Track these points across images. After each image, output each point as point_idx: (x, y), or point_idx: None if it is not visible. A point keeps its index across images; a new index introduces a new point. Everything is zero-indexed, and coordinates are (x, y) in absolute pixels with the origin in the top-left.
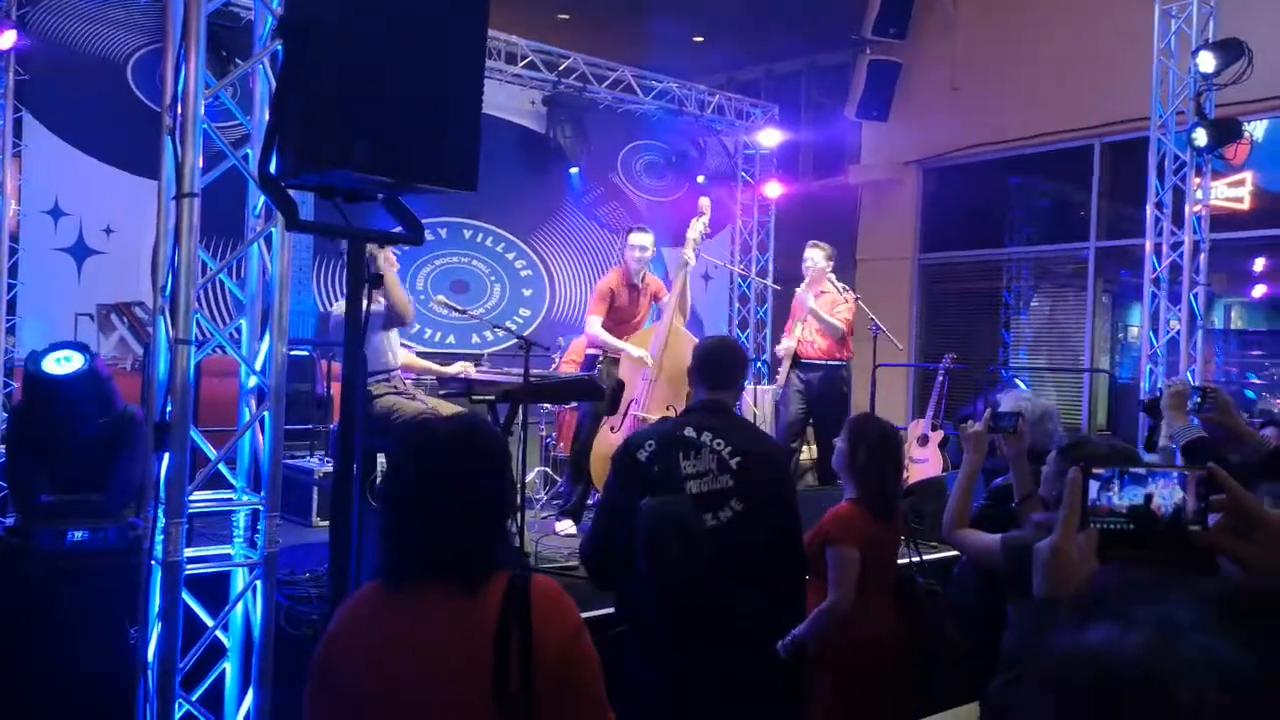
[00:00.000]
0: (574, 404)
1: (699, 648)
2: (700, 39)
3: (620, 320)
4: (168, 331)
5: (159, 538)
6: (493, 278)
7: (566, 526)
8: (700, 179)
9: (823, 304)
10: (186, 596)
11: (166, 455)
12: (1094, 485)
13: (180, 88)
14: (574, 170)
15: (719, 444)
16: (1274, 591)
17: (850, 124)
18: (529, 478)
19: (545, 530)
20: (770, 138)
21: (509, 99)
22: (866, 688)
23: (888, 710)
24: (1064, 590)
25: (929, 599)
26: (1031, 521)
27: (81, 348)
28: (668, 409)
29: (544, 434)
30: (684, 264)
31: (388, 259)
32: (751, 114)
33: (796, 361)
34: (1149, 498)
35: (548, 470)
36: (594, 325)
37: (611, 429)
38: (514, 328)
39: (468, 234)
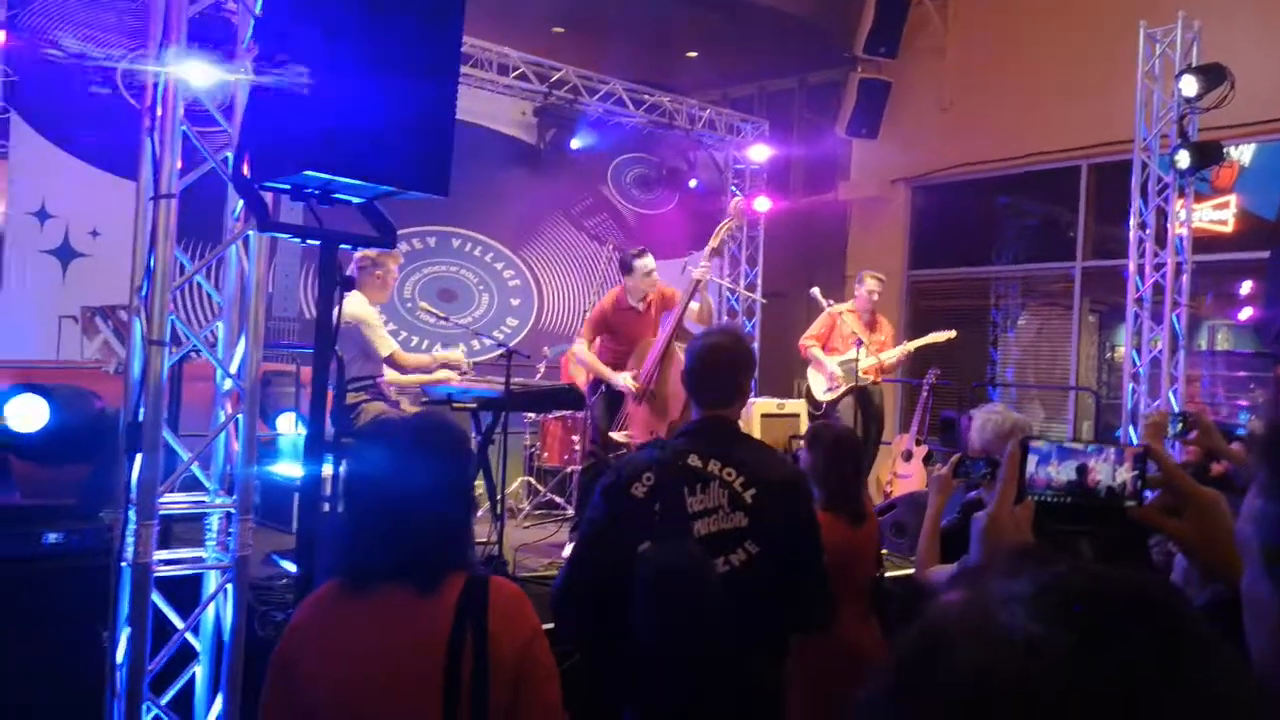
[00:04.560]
0: (560, 413)
1: (700, 710)
2: (694, 55)
3: (624, 342)
4: (142, 332)
5: (129, 539)
6: (481, 287)
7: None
8: (692, 183)
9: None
10: (157, 599)
11: (139, 456)
12: (1033, 459)
13: (160, 88)
14: (575, 144)
15: (729, 474)
16: (1109, 579)
17: (841, 141)
18: (512, 488)
19: (525, 540)
20: (760, 153)
21: (500, 110)
22: (838, 697)
23: None
24: (998, 561)
25: (902, 604)
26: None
27: (45, 392)
28: (650, 434)
29: (528, 443)
30: (693, 280)
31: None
32: (742, 129)
33: None
34: (1083, 470)
35: (531, 480)
36: (578, 347)
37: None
38: (500, 337)
39: (456, 243)
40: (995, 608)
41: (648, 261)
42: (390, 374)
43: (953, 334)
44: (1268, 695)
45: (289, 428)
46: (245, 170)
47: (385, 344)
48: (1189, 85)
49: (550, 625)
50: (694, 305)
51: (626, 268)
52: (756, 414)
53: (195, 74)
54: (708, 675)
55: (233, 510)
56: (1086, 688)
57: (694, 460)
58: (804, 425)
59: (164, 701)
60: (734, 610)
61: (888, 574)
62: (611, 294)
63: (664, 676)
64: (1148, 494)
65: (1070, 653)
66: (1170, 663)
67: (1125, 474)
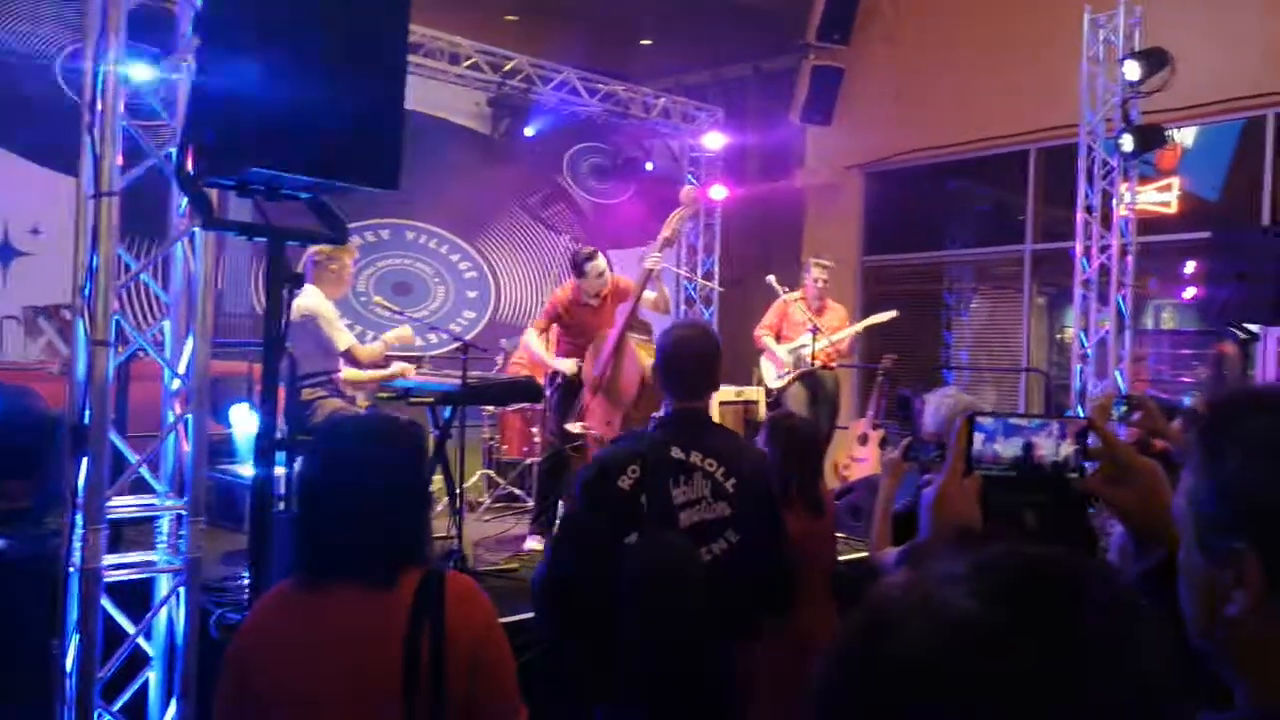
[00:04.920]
0: (518, 406)
1: (680, 697)
2: (648, 42)
3: (581, 335)
4: (86, 333)
5: (77, 544)
6: (436, 280)
7: (536, 544)
8: (649, 165)
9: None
10: (107, 604)
11: (85, 459)
12: (980, 437)
13: (99, 83)
14: (529, 133)
15: (711, 464)
16: (1045, 557)
17: (796, 128)
18: (471, 481)
19: (485, 533)
20: (715, 141)
21: (453, 100)
22: (798, 686)
23: None
24: (946, 533)
25: (854, 587)
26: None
27: None
28: (607, 424)
29: (486, 436)
30: (645, 270)
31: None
32: (697, 117)
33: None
34: (1029, 446)
35: (490, 473)
36: (528, 335)
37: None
38: (457, 330)
39: (410, 235)
40: (936, 587)
41: (599, 264)
42: (347, 371)
43: (894, 314)
44: (1195, 664)
45: (243, 420)
46: (189, 165)
47: (343, 338)
48: (1132, 70)
49: (507, 619)
50: (650, 294)
51: (579, 271)
52: (715, 401)
53: (135, 69)
54: (688, 663)
55: (184, 512)
56: (1025, 662)
57: (676, 452)
58: (762, 412)
59: (116, 708)
60: (715, 598)
61: (843, 557)
62: (567, 287)
63: (647, 665)
64: (1089, 465)
65: (1009, 628)
66: (1105, 637)
67: (1068, 448)
